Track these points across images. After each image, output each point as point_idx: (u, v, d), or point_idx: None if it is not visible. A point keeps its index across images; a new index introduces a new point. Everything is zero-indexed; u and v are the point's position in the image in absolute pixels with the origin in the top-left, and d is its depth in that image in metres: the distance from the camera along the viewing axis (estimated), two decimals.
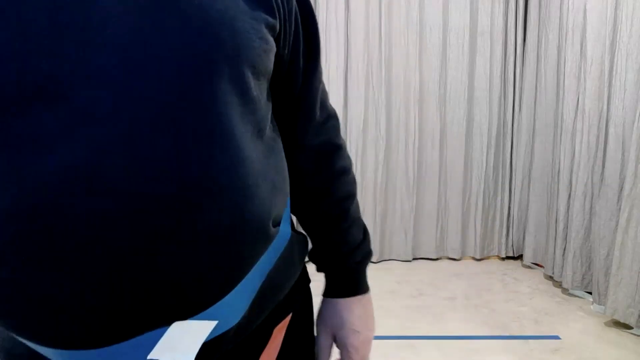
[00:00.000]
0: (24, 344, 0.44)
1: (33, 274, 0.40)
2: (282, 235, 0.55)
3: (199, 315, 0.44)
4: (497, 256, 3.67)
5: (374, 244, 3.51)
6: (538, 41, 3.32)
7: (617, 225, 2.40)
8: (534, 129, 3.38)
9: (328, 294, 0.69)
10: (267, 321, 0.57)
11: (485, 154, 3.57)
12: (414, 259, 3.62)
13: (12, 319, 0.42)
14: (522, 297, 2.87)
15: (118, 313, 0.41)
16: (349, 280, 0.69)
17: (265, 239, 0.50)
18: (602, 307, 2.50)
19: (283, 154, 0.57)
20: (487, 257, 3.68)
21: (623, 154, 2.45)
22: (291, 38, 0.55)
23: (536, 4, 3.33)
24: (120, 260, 0.40)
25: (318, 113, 0.63)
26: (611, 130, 2.51)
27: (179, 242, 0.42)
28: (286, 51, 0.55)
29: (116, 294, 0.40)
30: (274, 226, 0.52)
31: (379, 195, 3.54)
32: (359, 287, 0.69)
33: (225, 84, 0.44)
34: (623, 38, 2.41)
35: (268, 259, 0.52)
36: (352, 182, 0.70)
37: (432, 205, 3.62)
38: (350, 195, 0.69)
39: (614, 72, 2.47)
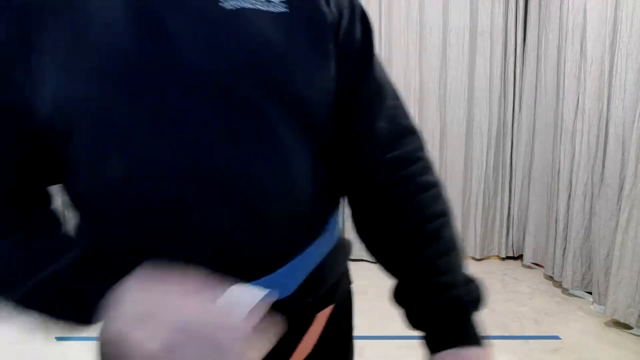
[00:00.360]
0: None
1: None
2: (329, 235, 0.61)
3: (256, 282, 0.51)
4: (497, 256, 3.67)
5: None
6: (538, 41, 3.32)
7: (617, 225, 2.40)
8: (534, 129, 3.38)
9: (437, 346, 0.57)
10: (311, 307, 0.61)
11: (485, 154, 3.57)
12: None
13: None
14: (522, 297, 2.87)
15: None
16: (459, 323, 0.57)
17: (311, 233, 0.57)
18: (602, 307, 2.50)
19: (332, 166, 0.60)
20: (487, 257, 3.67)
21: (623, 154, 2.45)
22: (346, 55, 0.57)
23: (536, 4, 3.33)
24: (218, 237, 0.50)
25: (384, 125, 0.59)
26: (611, 130, 2.51)
27: (255, 226, 0.51)
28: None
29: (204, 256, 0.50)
30: (321, 225, 0.59)
31: None
32: (472, 333, 0.58)
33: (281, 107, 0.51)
34: (623, 38, 2.41)
35: (317, 252, 0.59)
36: (442, 200, 0.61)
37: None
38: (440, 214, 0.60)
39: (614, 72, 2.47)
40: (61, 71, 0.45)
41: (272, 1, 0.50)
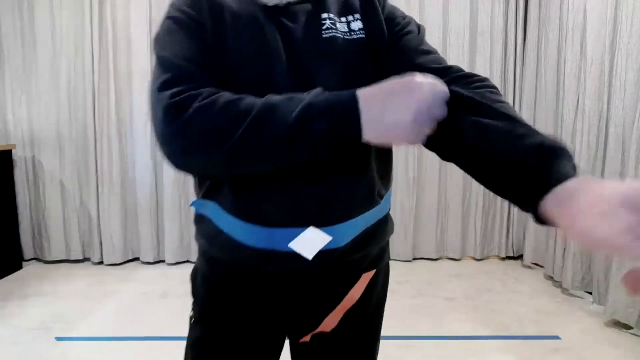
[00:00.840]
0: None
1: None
2: (382, 206, 0.77)
3: (324, 228, 0.68)
4: (497, 256, 3.67)
5: None
6: (538, 41, 3.32)
7: None
8: None
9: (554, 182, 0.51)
10: (358, 266, 0.77)
11: None
12: (414, 258, 3.63)
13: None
14: (522, 297, 2.87)
15: (293, 207, 0.68)
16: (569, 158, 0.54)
17: (370, 202, 0.73)
18: (602, 307, 2.50)
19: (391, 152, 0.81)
20: (487, 257, 3.68)
21: (623, 154, 2.45)
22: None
23: (536, 4, 3.33)
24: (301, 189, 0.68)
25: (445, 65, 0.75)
26: (611, 130, 2.51)
27: (326, 188, 0.69)
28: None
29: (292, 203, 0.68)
30: (378, 197, 0.75)
31: None
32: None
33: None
34: (623, 38, 2.41)
35: (371, 216, 0.74)
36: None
37: (432, 205, 3.62)
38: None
39: (614, 72, 2.47)
40: (237, 58, 0.68)
41: (353, 30, 0.72)
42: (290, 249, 0.67)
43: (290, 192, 0.67)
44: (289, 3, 0.70)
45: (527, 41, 3.46)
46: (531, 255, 3.40)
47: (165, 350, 2.21)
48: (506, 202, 3.59)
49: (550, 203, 0.50)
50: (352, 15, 0.72)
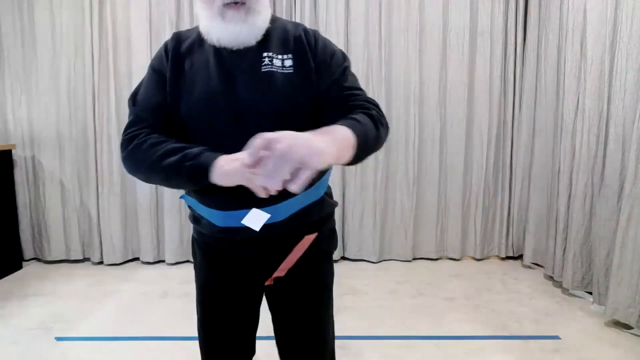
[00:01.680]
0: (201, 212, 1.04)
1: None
2: (315, 191, 1.03)
3: (265, 208, 0.96)
4: (497, 256, 3.67)
5: (374, 244, 3.52)
6: (538, 41, 3.32)
7: (617, 225, 2.40)
8: (534, 129, 3.38)
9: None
10: (301, 229, 1.04)
11: (485, 154, 3.57)
12: (414, 259, 3.63)
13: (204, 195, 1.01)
14: (522, 297, 2.87)
15: (237, 198, 0.94)
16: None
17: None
18: (602, 307, 2.50)
19: None
20: (487, 257, 3.68)
21: (623, 154, 2.45)
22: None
23: (536, 4, 3.33)
24: None
25: (347, 100, 0.99)
26: (611, 130, 2.51)
27: None
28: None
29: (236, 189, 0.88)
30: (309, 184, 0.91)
31: (378, 195, 3.54)
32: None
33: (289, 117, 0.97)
34: (623, 38, 2.41)
35: (305, 197, 1.01)
36: (373, 124, 0.93)
37: (432, 205, 3.62)
38: (367, 121, 0.92)
39: (614, 72, 2.47)
40: (188, 91, 0.98)
41: (285, 66, 0.97)
42: (243, 225, 0.97)
43: (234, 188, 0.87)
44: (240, 48, 0.98)
45: (527, 41, 3.46)
46: (531, 255, 3.40)
47: (165, 350, 2.21)
48: (506, 202, 3.61)
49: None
50: (287, 55, 0.98)
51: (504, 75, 3.54)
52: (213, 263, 1.10)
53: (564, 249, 2.91)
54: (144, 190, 3.51)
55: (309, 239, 1.05)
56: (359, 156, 0.87)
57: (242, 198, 0.92)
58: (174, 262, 3.53)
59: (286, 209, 0.99)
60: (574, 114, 2.82)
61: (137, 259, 3.62)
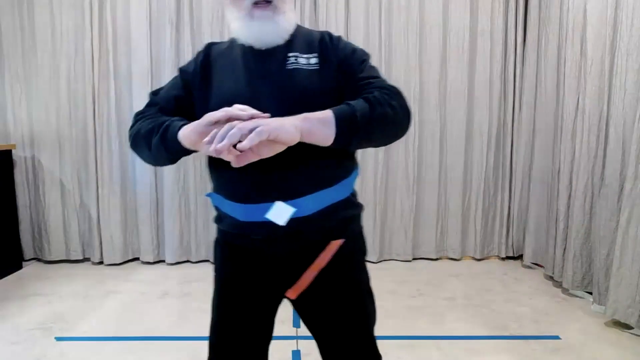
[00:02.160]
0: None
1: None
2: (342, 189, 1.03)
3: (288, 202, 0.95)
4: (497, 256, 3.67)
5: (374, 243, 3.52)
6: (538, 41, 3.32)
7: (617, 225, 2.40)
8: (534, 129, 3.38)
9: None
10: (326, 235, 1.02)
11: (485, 154, 3.57)
12: (414, 258, 3.63)
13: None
14: (522, 297, 2.87)
15: (258, 188, 0.96)
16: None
17: (326, 183, 1.00)
18: (602, 307, 2.50)
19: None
20: (487, 257, 3.68)
21: (623, 154, 2.45)
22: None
23: (536, 4, 3.33)
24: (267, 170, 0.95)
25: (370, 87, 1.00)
26: (611, 130, 2.51)
27: (288, 169, 0.96)
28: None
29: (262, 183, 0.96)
30: (335, 180, 1.02)
31: (378, 195, 3.54)
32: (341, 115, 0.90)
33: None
34: (623, 38, 2.40)
35: (334, 192, 1.01)
36: (369, 105, 0.92)
37: (432, 205, 3.62)
38: (381, 103, 0.93)
39: (614, 72, 2.47)
40: (216, 93, 1.02)
41: (310, 63, 1.02)
42: (267, 219, 0.95)
43: (256, 179, 0.95)
44: (268, 47, 1.04)
45: (527, 41, 3.46)
46: (531, 255, 3.40)
47: (165, 350, 2.21)
48: (506, 202, 3.61)
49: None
50: (312, 54, 1.04)
51: (504, 75, 3.54)
52: (233, 263, 1.07)
53: (564, 249, 2.91)
54: (144, 190, 3.51)
55: (335, 244, 1.02)
56: (352, 135, 0.89)
57: (263, 188, 0.95)
58: (173, 262, 3.53)
59: (311, 204, 0.97)
60: (574, 114, 2.82)
61: (137, 259, 3.62)
